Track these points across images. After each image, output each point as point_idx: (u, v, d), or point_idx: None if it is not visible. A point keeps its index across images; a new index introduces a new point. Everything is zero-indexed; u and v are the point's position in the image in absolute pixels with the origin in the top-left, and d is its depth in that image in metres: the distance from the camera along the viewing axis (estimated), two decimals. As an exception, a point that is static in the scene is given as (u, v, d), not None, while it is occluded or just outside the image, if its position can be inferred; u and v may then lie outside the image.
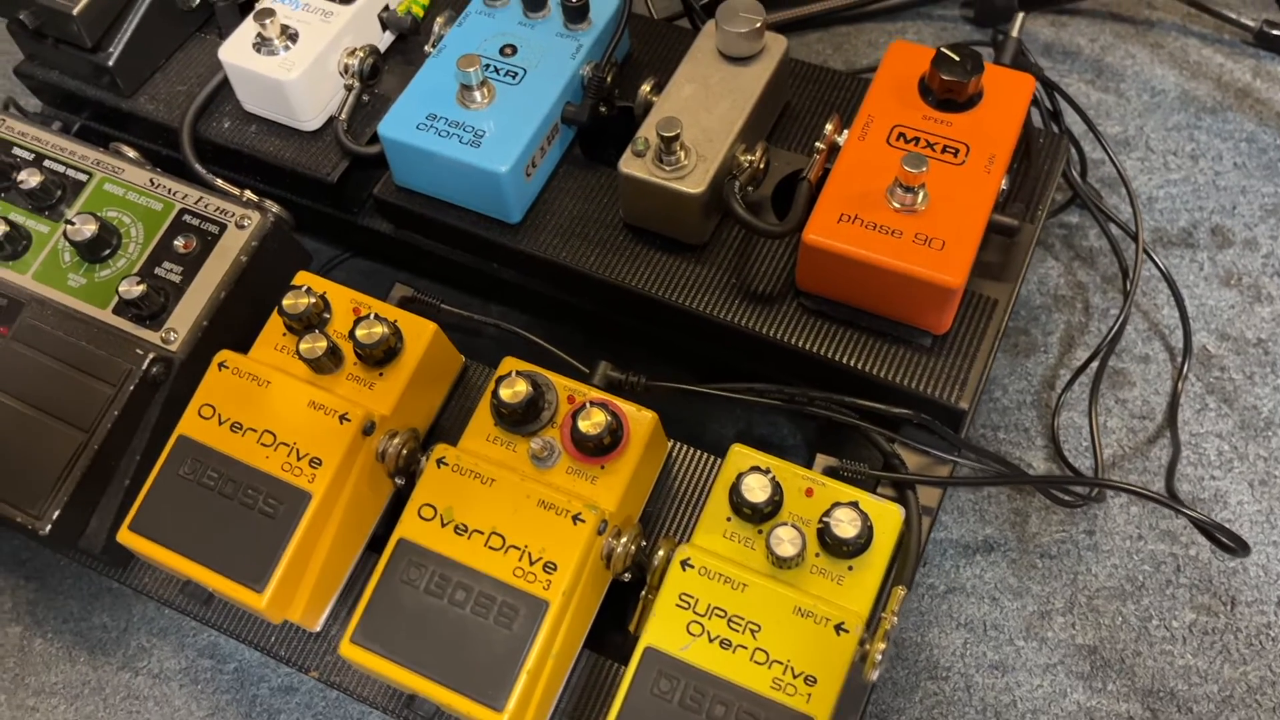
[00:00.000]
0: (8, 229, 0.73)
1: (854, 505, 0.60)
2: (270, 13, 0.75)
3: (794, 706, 0.57)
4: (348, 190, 0.79)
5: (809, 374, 0.70)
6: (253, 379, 0.67)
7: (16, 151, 0.78)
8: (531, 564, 0.61)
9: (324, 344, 0.67)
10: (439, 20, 0.78)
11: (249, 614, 0.70)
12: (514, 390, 0.64)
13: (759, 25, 0.72)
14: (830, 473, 0.67)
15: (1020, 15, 0.78)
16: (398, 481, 0.68)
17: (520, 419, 0.65)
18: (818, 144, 0.70)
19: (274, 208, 0.76)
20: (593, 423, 0.62)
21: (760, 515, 0.61)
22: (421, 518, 0.63)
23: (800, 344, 0.69)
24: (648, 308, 0.73)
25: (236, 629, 0.70)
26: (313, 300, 0.69)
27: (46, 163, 0.77)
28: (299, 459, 0.65)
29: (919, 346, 0.68)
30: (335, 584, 0.68)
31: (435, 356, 0.70)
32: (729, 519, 0.63)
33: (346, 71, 0.78)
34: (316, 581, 0.65)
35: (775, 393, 0.68)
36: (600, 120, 0.75)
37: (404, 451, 0.66)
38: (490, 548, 0.61)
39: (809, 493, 0.63)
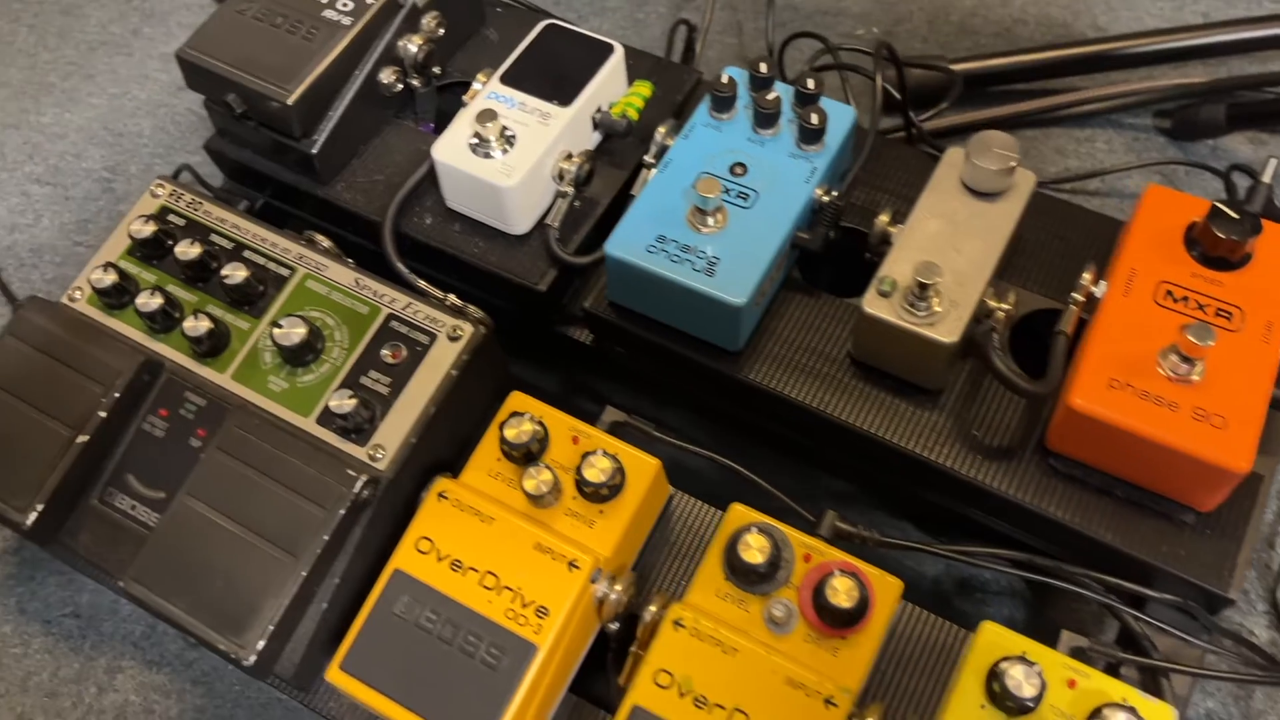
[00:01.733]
0: (211, 326, 0.70)
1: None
2: (492, 115, 0.72)
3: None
4: (551, 298, 0.76)
5: (1049, 536, 0.66)
6: (475, 513, 0.64)
7: (215, 239, 0.75)
8: (524, 606, 0.61)
9: (549, 478, 0.64)
10: (661, 130, 0.74)
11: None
12: (755, 547, 0.60)
13: (1014, 164, 0.68)
14: (1078, 654, 0.62)
15: (1274, 161, 0.73)
16: (611, 627, 0.65)
17: (758, 578, 0.61)
18: (1074, 295, 0.65)
19: (477, 313, 0.73)
20: (844, 594, 0.59)
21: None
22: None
23: (1047, 509, 0.65)
24: (871, 449, 0.69)
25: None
26: (536, 428, 0.66)
27: (247, 253, 0.74)
28: (524, 606, 0.61)
29: (1180, 523, 0.63)
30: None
31: (655, 492, 0.67)
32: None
33: (562, 177, 0.75)
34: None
35: (1026, 563, 0.64)
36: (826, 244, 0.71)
37: (625, 600, 0.63)
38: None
39: (1071, 684, 0.58)
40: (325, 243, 0.77)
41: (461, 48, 0.85)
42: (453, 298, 0.74)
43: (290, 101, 0.73)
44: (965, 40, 1.10)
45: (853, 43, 1.10)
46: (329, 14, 0.76)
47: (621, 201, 0.78)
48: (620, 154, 0.80)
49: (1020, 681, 0.56)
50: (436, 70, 0.81)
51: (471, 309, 0.73)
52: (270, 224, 0.75)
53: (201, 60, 0.75)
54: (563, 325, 0.78)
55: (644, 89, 0.79)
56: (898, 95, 0.89)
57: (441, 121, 0.85)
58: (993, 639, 0.59)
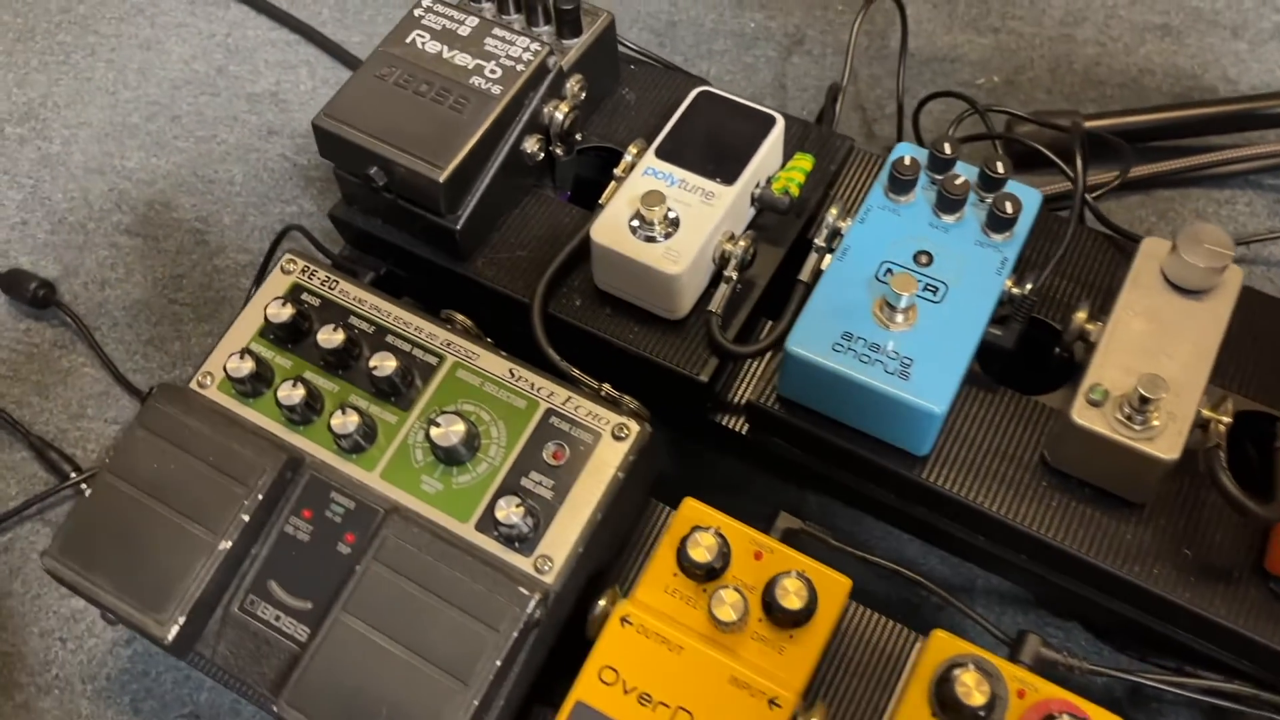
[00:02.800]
0: (359, 420, 0.66)
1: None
2: (659, 199, 0.67)
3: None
4: (710, 388, 0.71)
5: (1264, 663, 0.62)
6: (661, 640, 0.59)
7: (355, 322, 0.70)
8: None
9: (739, 602, 0.59)
10: (832, 212, 0.70)
11: None
12: (974, 689, 0.56)
13: (1228, 261, 0.63)
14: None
15: None
16: (801, 758, 0.60)
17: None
18: (1296, 407, 0.61)
19: (634, 404, 0.69)
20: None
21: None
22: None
23: (1271, 639, 0.60)
24: (1062, 561, 0.65)
25: None
26: (718, 543, 0.61)
27: (390, 339, 0.69)
28: (721, 746, 0.57)
29: None
30: None
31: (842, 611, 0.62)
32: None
33: (726, 260, 0.70)
34: None
35: (1250, 697, 0.60)
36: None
37: (821, 736, 0.59)
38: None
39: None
40: (464, 321, 0.72)
41: (598, 109, 0.81)
42: (608, 387, 0.69)
43: (442, 179, 0.68)
44: (1091, 91, 1.05)
45: (972, 92, 1.05)
46: (477, 81, 0.71)
47: (779, 282, 0.73)
48: (776, 229, 0.75)
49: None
50: (578, 137, 0.77)
51: (628, 400, 0.69)
52: (410, 303, 0.71)
53: (342, 131, 0.70)
54: (715, 412, 0.73)
55: (805, 163, 0.74)
56: (1067, 171, 0.83)
57: (578, 188, 0.81)
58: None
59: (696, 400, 0.72)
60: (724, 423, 0.73)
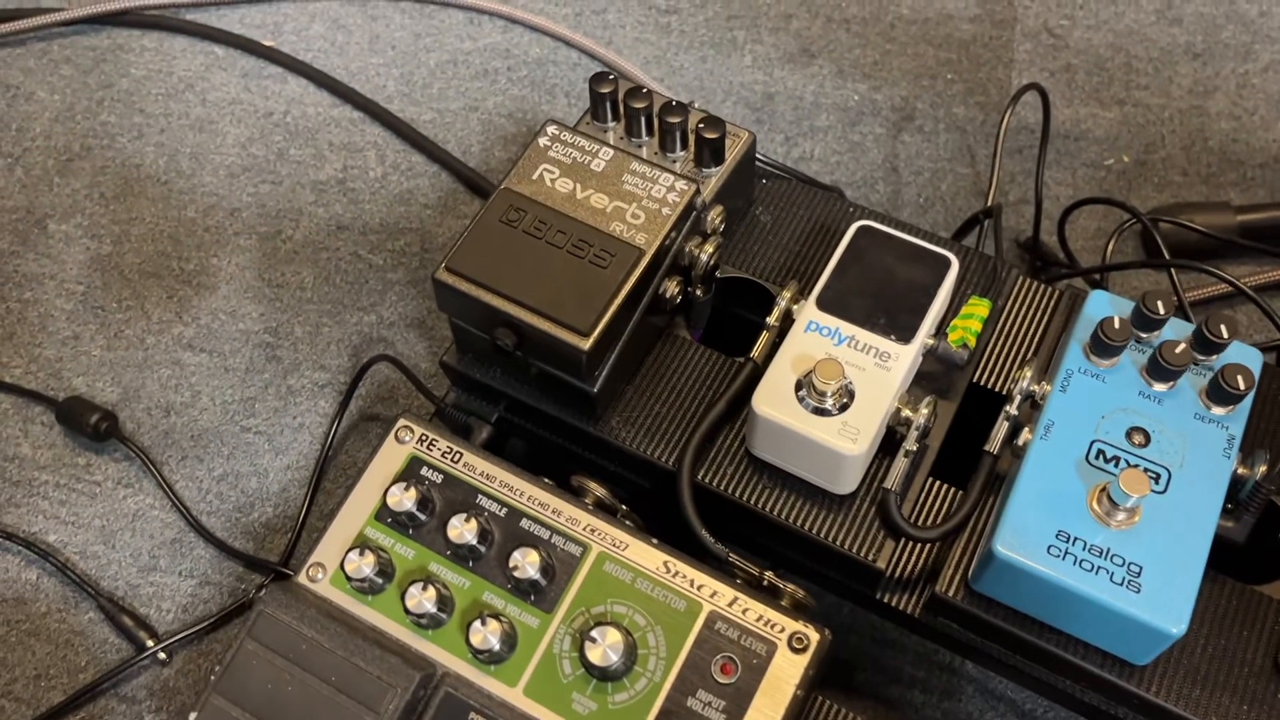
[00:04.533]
0: (501, 630, 0.58)
1: None
2: (837, 370, 0.59)
3: None
4: (885, 572, 0.63)
5: None
6: None
7: (484, 503, 0.62)
8: None
9: None
10: (1024, 374, 0.61)
11: None
12: None
13: None
14: None
15: None
16: None
17: None
18: None
19: (799, 594, 0.61)
20: None
21: None
22: None
23: None
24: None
25: None
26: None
27: (525, 524, 0.61)
28: None
29: None
30: None
31: None
32: None
33: (905, 429, 0.62)
34: None
35: None
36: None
37: None
38: None
39: None
40: (598, 490, 0.64)
41: (730, 233, 0.72)
42: (770, 575, 0.61)
43: (587, 348, 0.60)
44: (1230, 173, 0.97)
45: (1101, 175, 0.97)
46: (618, 228, 0.62)
47: (951, 440, 0.65)
48: (941, 379, 0.67)
49: None
50: (717, 274, 0.69)
51: (791, 590, 0.61)
52: (528, 464, 0.62)
53: (468, 289, 0.61)
54: (884, 591, 0.65)
55: (981, 309, 0.66)
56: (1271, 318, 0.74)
57: (710, 321, 0.73)
58: None
59: (867, 583, 0.64)
60: (894, 604, 0.65)
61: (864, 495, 0.64)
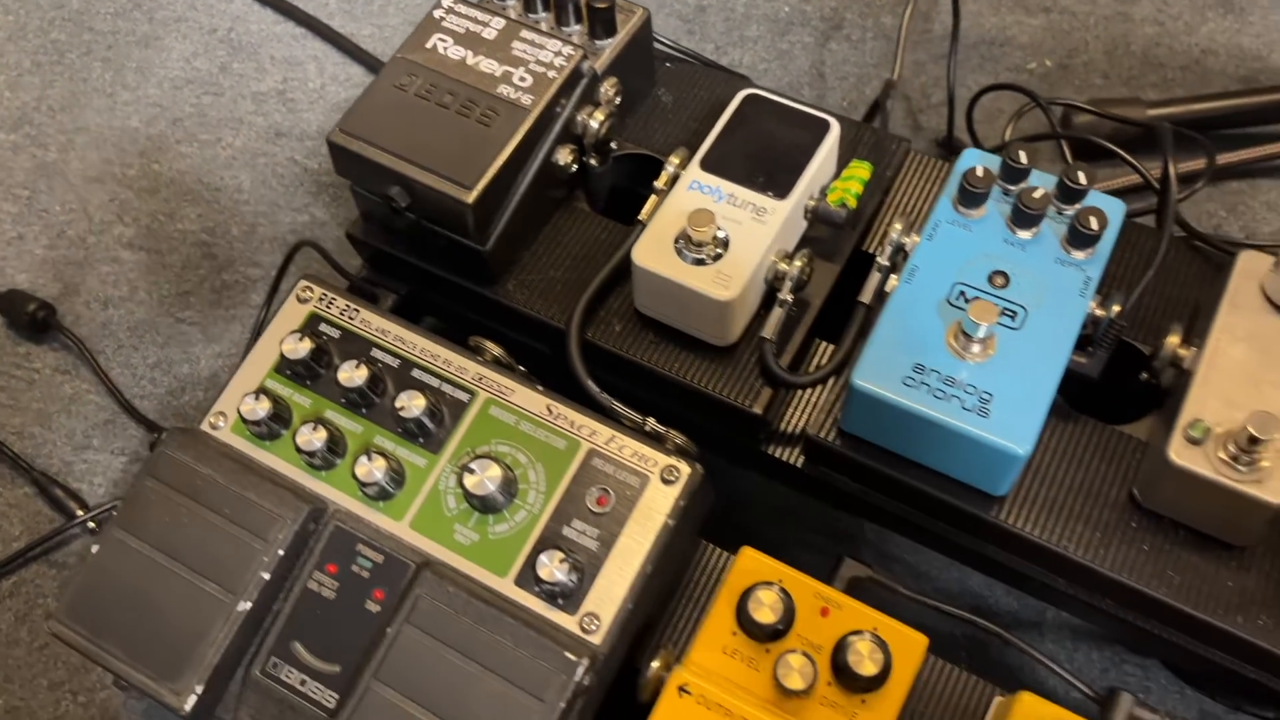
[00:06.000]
0: (386, 466, 0.61)
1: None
2: (708, 218, 0.61)
3: None
4: (764, 420, 0.66)
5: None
6: (725, 713, 0.54)
7: (379, 355, 0.65)
8: None
9: (808, 667, 0.54)
10: (895, 227, 0.64)
11: None
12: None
13: (1340, 280, 0.58)
14: None
15: None
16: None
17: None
18: None
19: (680, 439, 0.63)
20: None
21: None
22: None
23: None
24: (1160, 612, 0.59)
25: None
26: (782, 600, 0.56)
27: (417, 373, 0.64)
28: (794, 832, 0.52)
29: None
30: None
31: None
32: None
33: (780, 281, 0.65)
34: None
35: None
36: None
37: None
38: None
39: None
40: (495, 350, 0.67)
41: (632, 113, 0.75)
42: (652, 421, 0.64)
43: (471, 201, 0.62)
44: (1150, 75, 0.99)
45: (1024, 78, 0.99)
46: (505, 90, 0.65)
47: (835, 301, 0.68)
48: (830, 243, 0.69)
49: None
50: (613, 145, 0.71)
51: (673, 435, 0.63)
52: (436, 333, 0.65)
53: (360, 149, 0.64)
54: (767, 443, 0.68)
55: (862, 171, 0.68)
56: (1149, 179, 0.77)
57: (612, 198, 0.75)
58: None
59: (748, 432, 0.67)
60: (777, 454, 0.67)
61: (745, 350, 0.66)
